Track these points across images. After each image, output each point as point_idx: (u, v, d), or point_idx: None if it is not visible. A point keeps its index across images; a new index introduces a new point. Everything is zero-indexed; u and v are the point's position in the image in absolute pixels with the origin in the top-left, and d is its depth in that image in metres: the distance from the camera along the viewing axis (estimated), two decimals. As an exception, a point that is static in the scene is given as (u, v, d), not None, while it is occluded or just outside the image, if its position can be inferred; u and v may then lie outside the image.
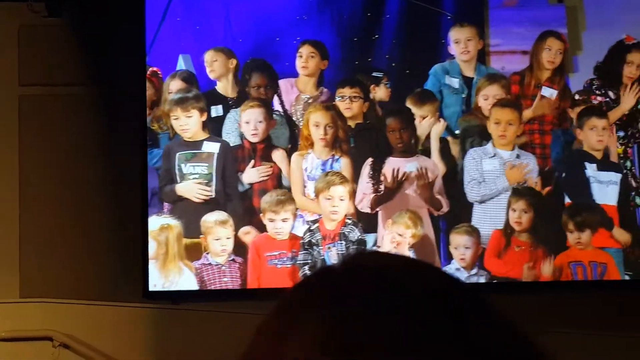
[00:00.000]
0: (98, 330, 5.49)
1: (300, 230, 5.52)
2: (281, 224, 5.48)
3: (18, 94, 5.72)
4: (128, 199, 5.59)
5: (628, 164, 5.53)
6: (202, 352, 5.41)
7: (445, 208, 5.50)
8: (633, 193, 5.52)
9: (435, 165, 5.52)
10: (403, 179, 5.47)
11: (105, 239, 5.63)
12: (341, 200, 5.45)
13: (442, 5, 5.68)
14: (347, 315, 0.85)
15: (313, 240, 5.47)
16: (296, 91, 5.62)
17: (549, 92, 5.57)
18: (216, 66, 5.61)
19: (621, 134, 5.56)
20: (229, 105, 5.60)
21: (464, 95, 5.60)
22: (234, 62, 5.61)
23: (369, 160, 5.52)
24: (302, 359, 0.83)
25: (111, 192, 5.67)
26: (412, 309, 0.85)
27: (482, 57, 5.64)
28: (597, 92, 5.57)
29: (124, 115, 5.65)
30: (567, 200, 5.51)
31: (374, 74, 5.62)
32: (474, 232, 5.44)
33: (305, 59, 5.63)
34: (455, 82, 5.60)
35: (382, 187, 5.50)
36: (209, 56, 5.62)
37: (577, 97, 5.57)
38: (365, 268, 0.91)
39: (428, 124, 5.55)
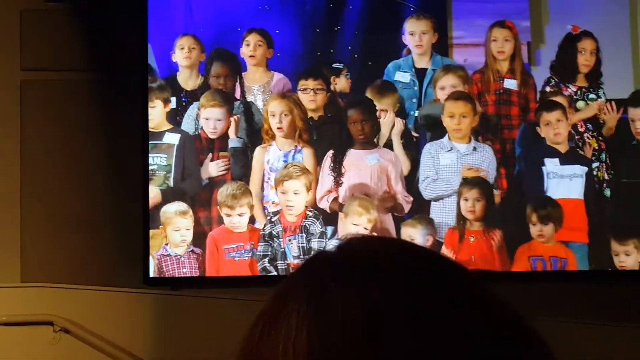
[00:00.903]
0: (98, 316, 5.49)
1: (262, 223, 5.49)
2: (238, 219, 5.45)
3: (20, 79, 5.69)
4: (129, 184, 5.59)
5: (603, 156, 5.51)
6: (202, 337, 5.41)
7: (403, 202, 5.48)
8: (605, 184, 5.50)
9: (397, 157, 5.49)
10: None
11: (106, 224, 5.63)
12: (295, 194, 5.43)
13: (404, -5, 5.67)
14: (328, 305, 0.86)
15: (274, 232, 5.45)
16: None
17: (511, 84, 5.56)
18: (194, 54, 5.58)
19: (590, 126, 5.54)
20: (187, 97, 5.58)
21: (416, 88, 5.57)
22: (203, 56, 5.59)
23: (330, 153, 5.50)
24: (290, 347, 0.86)
25: (112, 177, 5.66)
26: (397, 295, 0.86)
27: (444, 49, 5.63)
28: (557, 88, 5.56)
29: (126, 100, 5.64)
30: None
31: (334, 65, 5.60)
32: (427, 225, 5.42)
33: (253, 48, 5.60)
34: (406, 77, 5.58)
35: (342, 179, 5.48)
36: (187, 42, 5.59)
37: (542, 93, 5.57)
38: (359, 253, 0.92)
39: (389, 120, 5.52)
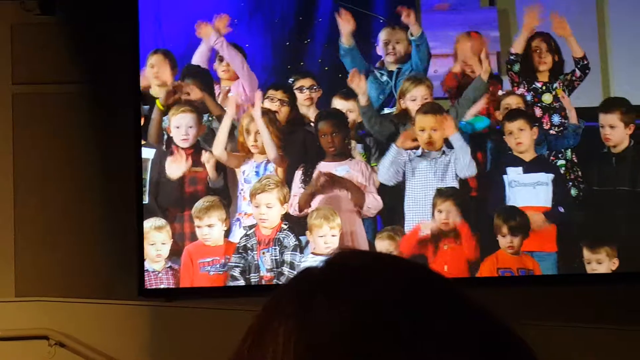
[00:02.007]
0: (94, 329, 5.49)
1: (237, 236, 5.47)
2: (207, 230, 5.44)
3: (11, 93, 5.72)
4: (123, 197, 5.59)
5: (569, 153, 5.52)
6: (198, 349, 5.41)
7: (373, 210, 5.48)
8: (570, 184, 5.51)
9: (367, 167, 5.49)
10: (323, 182, 5.44)
11: (100, 237, 5.64)
12: (268, 207, 5.42)
13: (374, 9, 5.68)
14: (315, 320, 0.86)
15: (248, 245, 5.44)
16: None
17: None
18: (164, 71, 5.57)
19: (556, 119, 5.56)
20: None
21: (387, 88, 5.58)
22: (175, 72, 5.57)
23: (302, 166, 5.49)
24: None
25: (106, 189, 5.68)
26: (383, 310, 0.86)
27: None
28: (520, 89, 5.58)
29: (118, 112, 5.65)
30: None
31: (300, 79, 5.59)
32: (401, 236, 5.43)
33: (227, 64, 5.60)
34: (383, 77, 5.59)
35: (315, 196, 5.48)
36: (157, 59, 5.59)
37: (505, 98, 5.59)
38: (345, 268, 0.92)
39: (354, 118, 5.52)
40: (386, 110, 5.58)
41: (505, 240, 5.41)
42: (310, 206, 5.45)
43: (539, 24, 5.59)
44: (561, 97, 5.54)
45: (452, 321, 0.86)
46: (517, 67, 5.56)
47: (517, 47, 5.56)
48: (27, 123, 5.70)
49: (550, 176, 5.49)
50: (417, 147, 5.46)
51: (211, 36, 5.55)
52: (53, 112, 5.71)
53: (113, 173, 5.65)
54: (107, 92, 5.69)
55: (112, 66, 5.66)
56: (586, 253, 5.43)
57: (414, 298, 0.87)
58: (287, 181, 5.48)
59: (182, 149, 5.52)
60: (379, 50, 5.64)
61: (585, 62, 5.55)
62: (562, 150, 5.53)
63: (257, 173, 5.48)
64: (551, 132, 5.53)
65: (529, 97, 5.57)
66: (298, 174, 5.49)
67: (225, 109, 5.52)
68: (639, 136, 5.52)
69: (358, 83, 5.52)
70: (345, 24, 5.58)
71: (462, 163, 5.43)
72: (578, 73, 5.56)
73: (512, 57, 5.56)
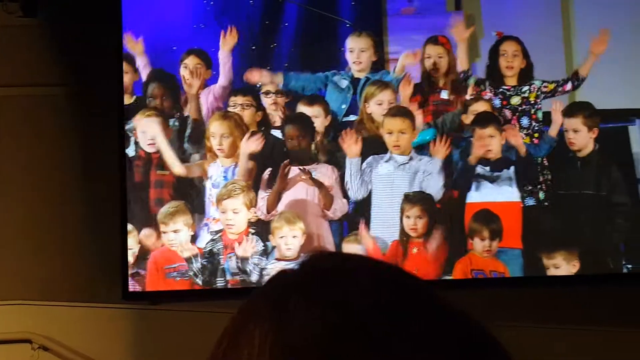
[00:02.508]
0: (77, 332, 5.46)
1: (205, 241, 5.46)
2: (173, 235, 5.43)
3: None
4: (106, 200, 5.55)
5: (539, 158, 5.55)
6: (182, 351, 5.38)
7: (339, 213, 5.47)
8: (539, 187, 5.53)
9: (333, 171, 5.49)
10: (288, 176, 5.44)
11: (84, 239, 5.61)
12: (235, 212, 5.41)
13: (340, 13, 5.68)
14: (290, 323, 0.86)
15: (214, 250, 5.43)
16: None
17: (446, 94, 5.60)
18: (127, 76, 5.54)
19: (525, 121, 5.58)
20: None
21: (349, 95, 5.58)
22: (137, 76, 5.55)
23: (268, 170, 5.48)
24: None
25: (89, 192, 5.65)
26: (356, 311, 0.85)
27: (381, 63, 5.64)
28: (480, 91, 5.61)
29: (101, 114, 5.62)
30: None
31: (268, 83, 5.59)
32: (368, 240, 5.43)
33: (191, 74, 5.58)
34: (343, 83, 5.59)
35: (281, 196, 5.47)
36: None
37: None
38: (318, 270, 0.91)
39: (320, 123, 5.52)
40: (352, 118, 5.57)
41: (483, 244, 5.41)
42: (277, 209, 5.44)
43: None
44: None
45: (428, 322, 0.86)
46: (477, 81, 5.60)
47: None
48: (9, 125, 5.67)
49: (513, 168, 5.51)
50: (360, 153, 5.46)
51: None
52: (36, 114, 5.69)
53: (96, 175, 5.62)
54: (91, 94, 5.67)
55: (95, 68, 5.64)
56: (544, 259, 5.45)
57: (386, 299, 0.87)
58: (254, 185, 5.47)
59: (148, 153, 5.50)
60: (347, 56, 5.64)
61: (581, 83, 5.58)
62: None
63: (225, 178, 5.47)
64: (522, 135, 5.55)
65: (496, 102, 5.58)
66: (265, 178, 5.48)
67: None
68: (603, 140, 5.55)
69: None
70: None
71: (435, 186, 5.44)
72: (569, 86, 5.58)
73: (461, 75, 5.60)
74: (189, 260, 5.42)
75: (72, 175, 5.66)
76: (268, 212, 5.45)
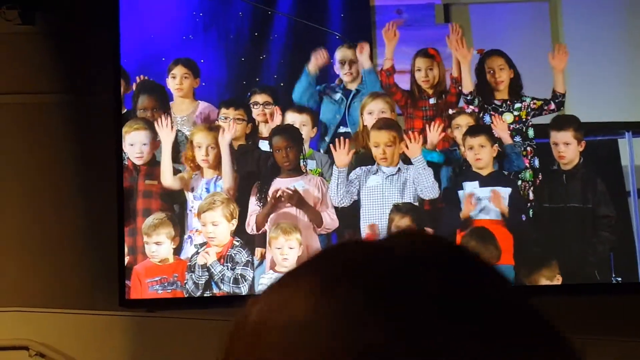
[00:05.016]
0: (74, 339, 5.45)
1: (189, 253, 5.46)
2: (155, 247, 5.42)
3: None
4: (103, 207, 5.56)
5: (527, 174, 5.54)
6: (180, 359, 5.38)
7: (328, 228, 5.49)
8: (528, 204, 5.53)
9: (322, 182, 5.50)
10: (281, 196, 5.44)
11: (81, 246, 5.60)
12: (214, 225, 5.41)
13: (330, 25, 5.69)
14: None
15: (199, 262, 5.42)
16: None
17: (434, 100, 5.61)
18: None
19: (517, 139, 5.58)
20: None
21: (342, 106, 5.59)
22: (128, 88, 5.58)
23: (257, 183, 5.49)
24: None
25: (86, 199, 5.64)
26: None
27: (371, 77, 5.65)
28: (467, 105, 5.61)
29: (98, 122, 5.63)
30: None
31: (257, 94, 5.60)
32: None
33: (179, 81, 5.60)
34: (336, 96, 5.60)
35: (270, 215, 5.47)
36: None
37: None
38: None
39: (306, 133, 5.54)
40: (342, 130, 5.59)
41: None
42: (267, 224, 5.44)
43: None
44: (495, 120, 5.56)
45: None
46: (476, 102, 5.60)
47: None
48: (6, 132, 5.67)
49: (508, 190, 5.50)
50: (348, 164, 5.47)
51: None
52: (33, 121, 5.69)
53: (94, 183, 5.62)
54: (88, 102, 5.68)
55: (93, 76, 5.65)
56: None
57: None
58: (237, 198, 5.47)
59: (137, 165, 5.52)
60: (336, 69, 5.65)
61: (563, 100, 5.59)
62: (521, 170, 5.54)
63: (207, 190, 5.48)
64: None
65: (487, 118, 5.58)
66: (254, 192, 5.48)
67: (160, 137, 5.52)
68: (589, 153, 5.54)
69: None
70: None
71: (425, 184, 5.44)
72: (553, 106, 5.59)
73: (467, 97, 5.60)
74: (171, 273, 5.41)
75: (70, 182, 5.66)
76: (258, 230, 5.45)
